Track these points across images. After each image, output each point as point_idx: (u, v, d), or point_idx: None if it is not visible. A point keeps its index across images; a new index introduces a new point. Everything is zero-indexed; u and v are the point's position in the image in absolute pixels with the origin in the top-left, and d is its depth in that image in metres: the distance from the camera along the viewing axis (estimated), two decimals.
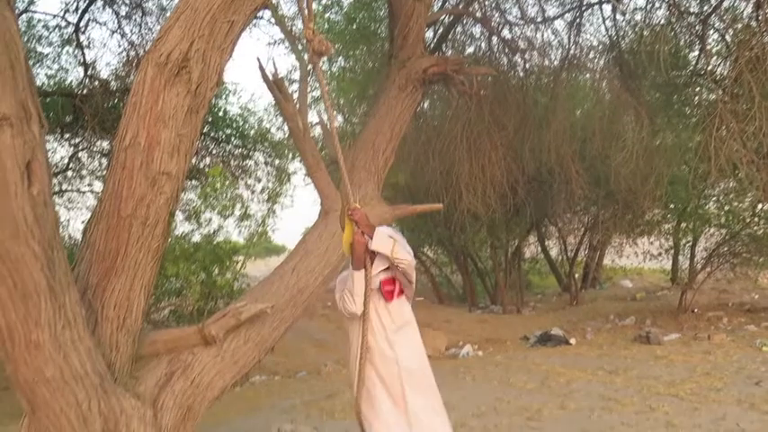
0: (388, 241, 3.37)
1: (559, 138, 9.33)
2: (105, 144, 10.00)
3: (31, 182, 2.51)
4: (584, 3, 9.63)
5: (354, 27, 11.75)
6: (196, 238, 10.45)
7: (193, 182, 10.97)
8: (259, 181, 12.34)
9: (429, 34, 8.64)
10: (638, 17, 9.33)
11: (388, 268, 3.50)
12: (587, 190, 11.01)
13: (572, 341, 10.71)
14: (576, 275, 16.84)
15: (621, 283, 18.68)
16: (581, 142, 10.39)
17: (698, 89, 9.63)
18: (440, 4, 9.48)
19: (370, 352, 3.43)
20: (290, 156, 12.75)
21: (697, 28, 8.49)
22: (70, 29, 9.57)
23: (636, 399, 6.48)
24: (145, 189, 3.17)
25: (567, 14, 9.82)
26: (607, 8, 9.51)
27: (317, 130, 11.49)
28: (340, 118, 13.27)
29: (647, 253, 15.48)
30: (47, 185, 2.64)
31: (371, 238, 3.36)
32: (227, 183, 9.84)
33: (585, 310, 14.29)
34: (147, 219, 3.20)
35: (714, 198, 12.58)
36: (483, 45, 9.89)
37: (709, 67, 8.65)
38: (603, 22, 9.59)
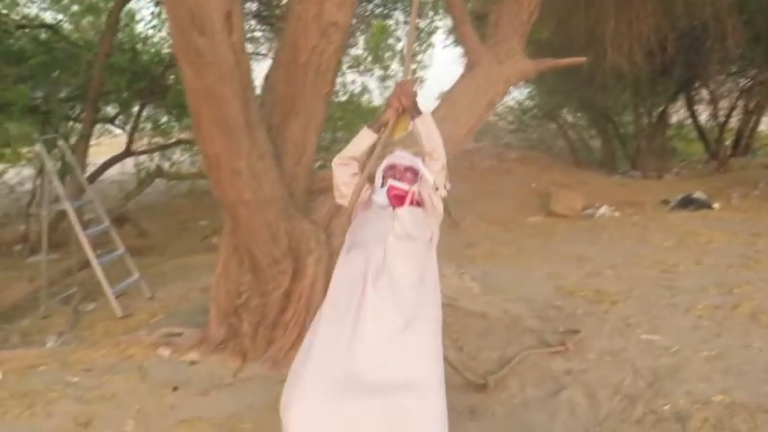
0: (430, 119, 2.75)
1: None
2: (254, 6, 10.40)
3: (231, 30, 2.93)
4: None
5: None
6: (341, 98, 10.95)
7: None
8: (399, 41, 12.41)
9: None
10: None
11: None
12: (745, 48, 10.18)
13: (715, 206, 10.40)
14: (727, 143, 15.90)
15: None
16: None
17: None
18: None
19: (353, 250, 2.74)
20: (431, 14, 12.60)
21: None
22: None
23: None
24: (317, 38, 3.53)
25: None
26: None
27: None
28: None
29: None
30: (242, 34, 3.06)
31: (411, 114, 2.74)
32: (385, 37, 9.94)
33: (733, 177, 13.59)
34: (319, 66, 3.59)
35: None
36: None
37: None
38: None
